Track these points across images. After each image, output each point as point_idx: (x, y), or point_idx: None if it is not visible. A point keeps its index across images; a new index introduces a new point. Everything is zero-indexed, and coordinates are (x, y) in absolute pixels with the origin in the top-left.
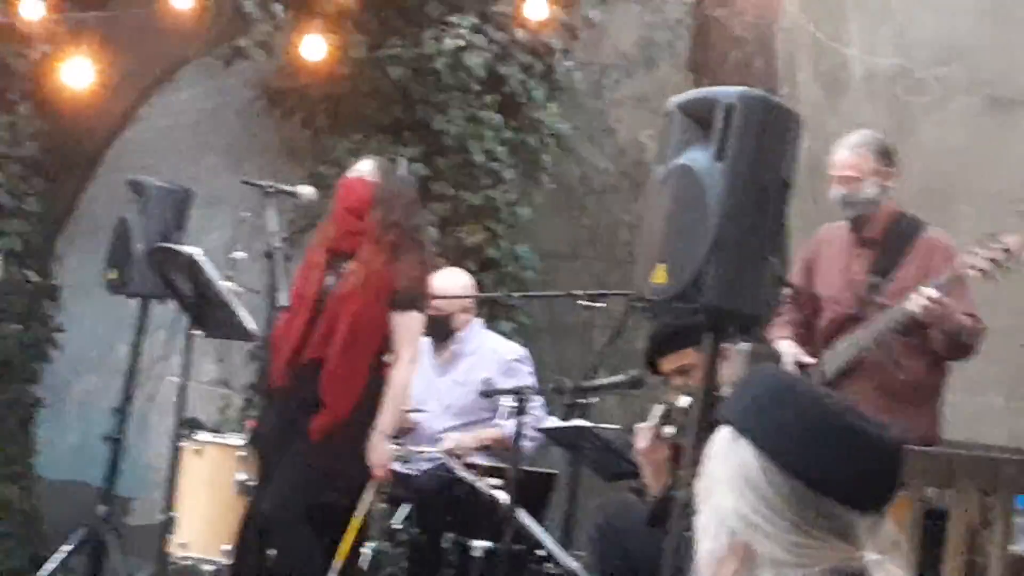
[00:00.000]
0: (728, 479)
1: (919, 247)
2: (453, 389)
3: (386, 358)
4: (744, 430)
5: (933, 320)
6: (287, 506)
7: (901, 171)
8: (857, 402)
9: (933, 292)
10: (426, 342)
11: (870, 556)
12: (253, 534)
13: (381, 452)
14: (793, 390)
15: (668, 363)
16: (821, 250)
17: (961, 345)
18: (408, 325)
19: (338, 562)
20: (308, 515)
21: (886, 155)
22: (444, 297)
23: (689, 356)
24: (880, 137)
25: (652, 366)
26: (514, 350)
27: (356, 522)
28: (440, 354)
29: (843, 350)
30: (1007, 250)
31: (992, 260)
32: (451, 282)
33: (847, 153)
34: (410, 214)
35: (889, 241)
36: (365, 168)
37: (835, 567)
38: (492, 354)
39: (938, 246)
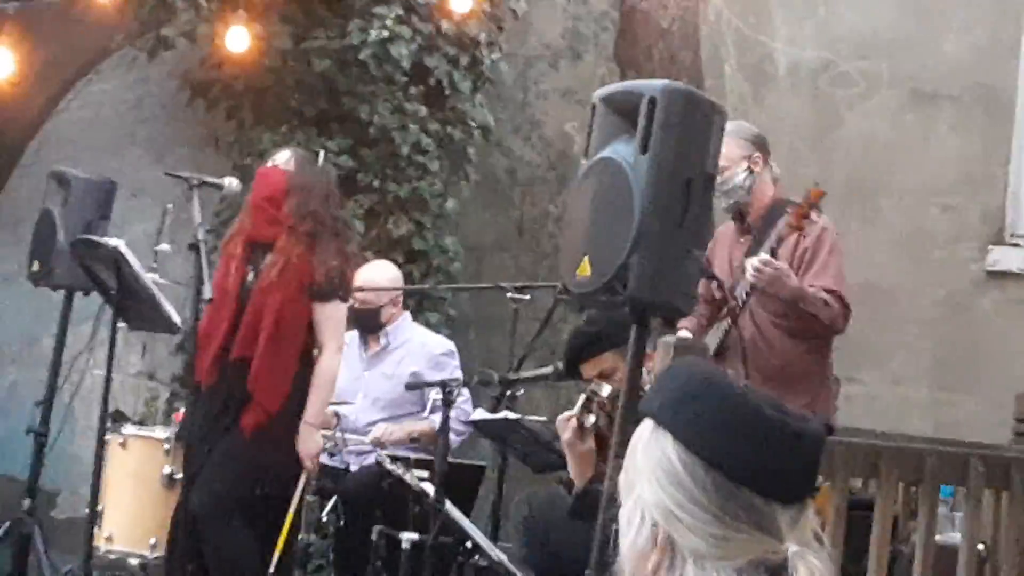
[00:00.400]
0: (649, 472)
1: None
2: (381, 382)
3: (315, 350)
4: (664, 423)
5: (766, 285)
6: (217, 500)
7: (770, 158)
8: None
9: (762, 256)
10: (354, 335)
11: (792, 548)
12: (183, 529)
13: (310, 443)
14: (712, 383)
15: (589, 368)
16: (715, 247)
17: (820, 323)
18: (330, 315)
19: (275, 555)
20: (241, 509)
21: (757, 143)
22: (372, 289)
23: (608, 360)
24: (749, 126)
25: (573, 373)
26: (442, 344)
27: (291, 515)
28: (369, 347)
29: (715, 329)
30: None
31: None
32: (380, 274)
33: None
34: (327, 203)
35: (764, 225)
36: (281, 158)
37: (757, 559)
38: (421, 348)
39: (811, 230)
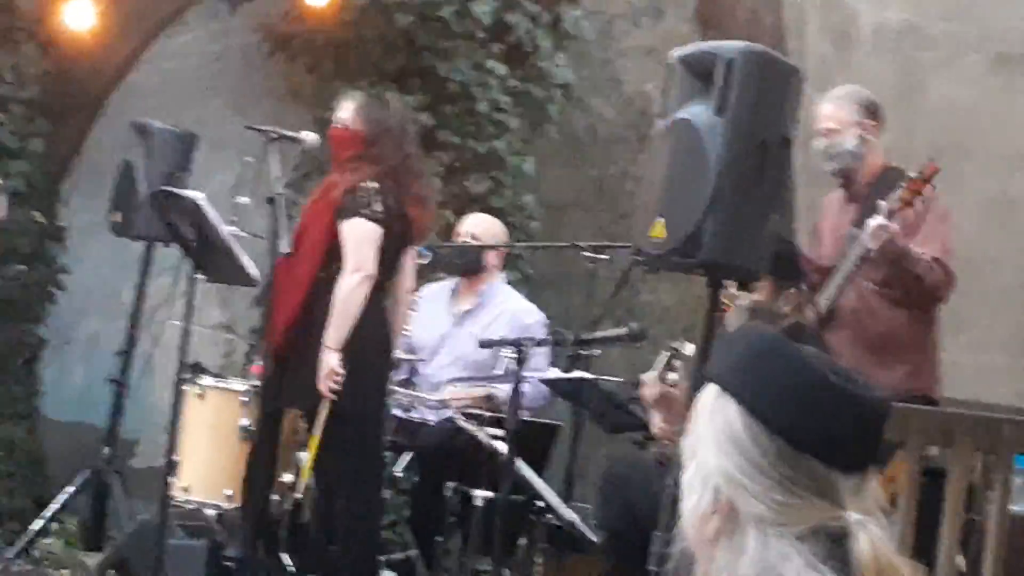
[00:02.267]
0: (713, 437)
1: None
2: (466, 342)
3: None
4: (728, 388)
5: (885, 251)
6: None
7: (885, 125)
8: (835, 353)
9: (880, 219)
10: (444, 287)
11: (853, 516)
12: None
13: (325, 366)
14: (778, 348)
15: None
16: (824, 214)
17: (923, 287)
18: (350, 233)
19: (302, 480)
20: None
21: (870, 108)
22: (445, 246)
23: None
24: (865, 92)
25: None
26: (533, 313)
27: (315, 440)
28: (458, 303)
29: (826, 288)
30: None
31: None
32: (486, 223)
33: (829, 105)
34: (396, 146)
35: (873, 194)
36: (344, 114)
37: (818, 526)
38: (512, 315)
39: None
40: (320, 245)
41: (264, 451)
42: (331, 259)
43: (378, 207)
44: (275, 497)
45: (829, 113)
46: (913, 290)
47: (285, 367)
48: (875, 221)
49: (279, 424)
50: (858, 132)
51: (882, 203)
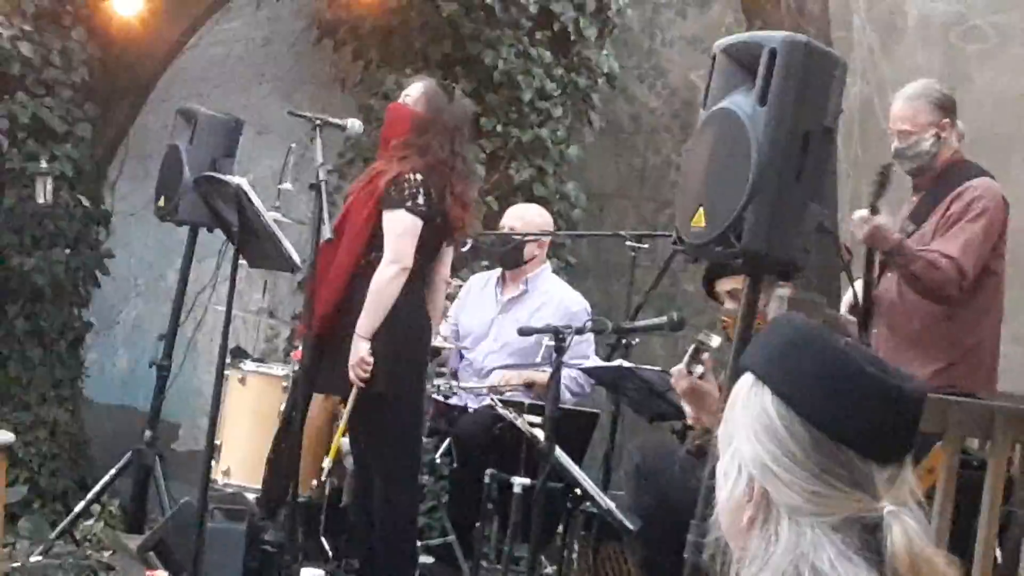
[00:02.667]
0: (748, 426)
1: (960, 192)
2: (512, 328)
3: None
4: (765, 377)
5: (871, 243)
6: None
7: (959, 121)
8: (873, 345)
9: (861, 212)
10: (492, 276)
11: (887, 507)
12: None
13: (355, 354)
14: (815, 339)
15: (723, 284)
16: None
17: (922, 286)
18: (391, 224)
19: (327, 462)
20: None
21: (944, 106)
22: (490, 233)
23: (739, 281)
24: (938, 87)
25: (708, 286)
26: (579, 301)
27: (342, 427)
28: (505, 291)
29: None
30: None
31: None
32: (529, 213)
33: (902, 105)
34: (448, 140)
35: (936, 189)
36: (413, 92)
37: (852, 516)
38: (559, 302)
39: (964, 193)
40: (363, 233)
41: (295, 436)
42: (373, 247)
43: (421, 200)
44: (314, 482)
45: (903, 114)
46: (916, 288)
47: (323, 353)
48: (856, 214)
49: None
50: (934, 131)
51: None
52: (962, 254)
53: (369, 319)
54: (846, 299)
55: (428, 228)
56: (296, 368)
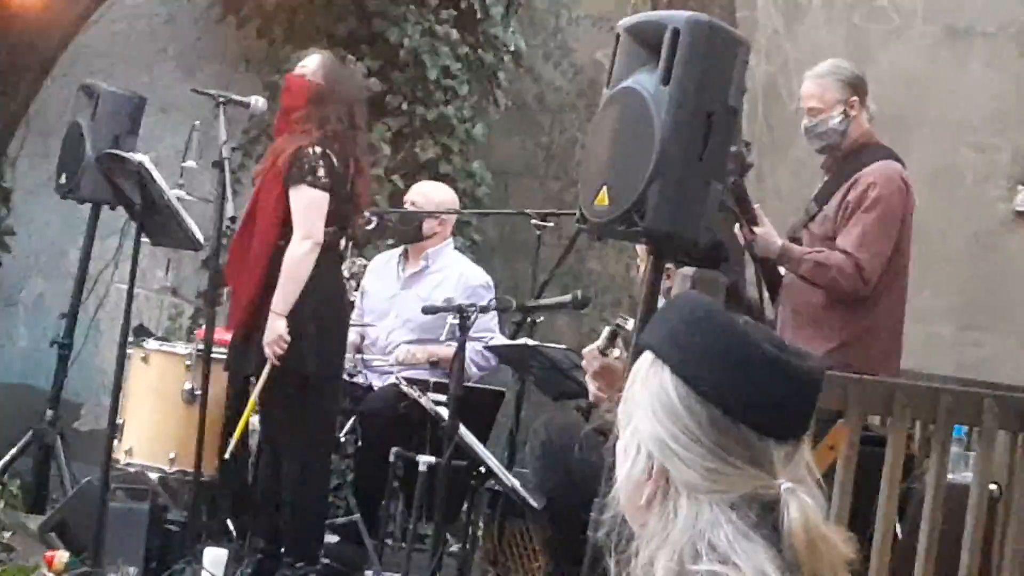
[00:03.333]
0: (647, 404)
1: (856, 179)
2: (414, 304)
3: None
4: (663, 356)
5: (760, 251)
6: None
7: (868, 98)
8: (777, 323)
9: (737, 231)
10: (395, 254)
11: (784, 484)
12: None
13: (270, 332)
14: (713, 317)
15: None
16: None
17: (819, 287)
18: (297, 201)
19: (233, 439)
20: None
21: (852, 84)
22: (392, 211)
23: None
24: (848, 66)
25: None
26: (480, 276)
27: (252, 402)
28: (407, 267)
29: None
30: None
31: None
32: (432, 191)
33: (811, 83)
34: (346, 115)
35: (841, 170)
36: (310, 65)
37: (750, 494)
38: (459, 277)
39: (861, 180)
40: (275, 215)
41: (234, 421)
42: (287, 228)
43: (321, 173)
44: (217, 461)
45: (812, 92)
46: (817, 287)
47: (251, 338)
48: (736, 229)
49: (246, 394)
50: (842, 110)
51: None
52: (858, 248)
53: (284, 296)
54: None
55: (335, 201)
56: (200, 347)
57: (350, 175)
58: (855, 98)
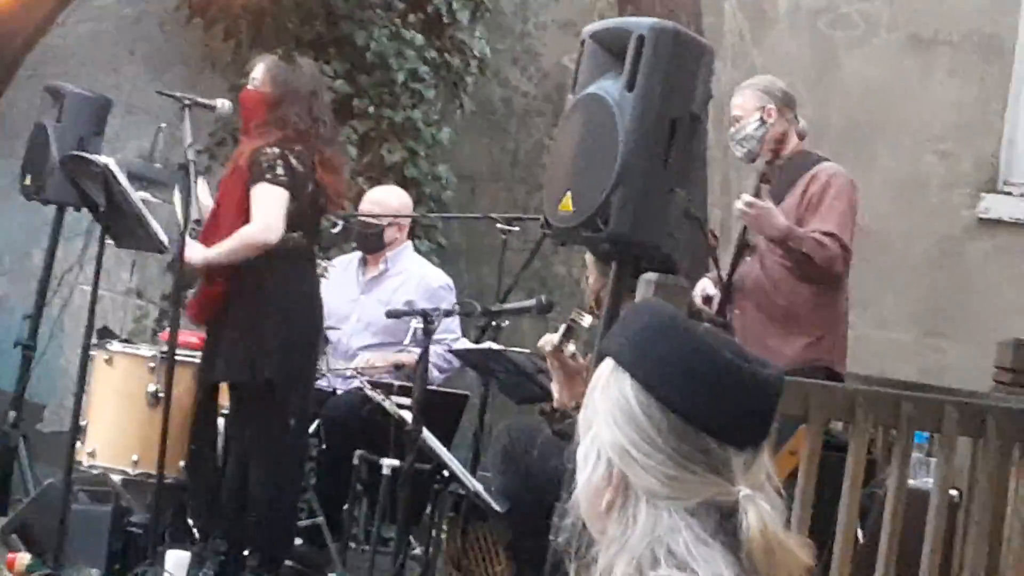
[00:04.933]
0: (608, 411)
1: (806, 179)
2: (375, 308)
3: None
4: (624, 363)
5: (753, 225)
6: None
7: (796, 111)
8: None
9: (746, 197)
10: (355, 257)
11: (743, 491)
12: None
13: (190, 252)
14: (673, 324)
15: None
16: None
17: (813, 265)
18: (255, 197)
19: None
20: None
21: (774, 94)
22: (361, 215)
23: None
24: (772, 80)
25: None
26: (440, 278)
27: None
28: (367, 271)
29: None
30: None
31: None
32: (389, 197)
33: (736, 96)
34: (306, 109)
35: (784, 175)
36: (257, 75)
37: (709, 500)
38: (419, 279)
39: (819, 175)
40: (237, 218)
41: (205, 425)
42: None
43: (280, 171)
44: (181, 463)
45: (735, 102)
46: (807, 268)
47: (218, 342)
48: (741, 200)
49: (216, 397)
50: (759, 116)
51: (763, 185)
52: (840, 229)
53: (212, 255)
54: (699, 286)
55: (301, 200)
56: (164, 349)
57: (313, 176)
58: (772, 106)
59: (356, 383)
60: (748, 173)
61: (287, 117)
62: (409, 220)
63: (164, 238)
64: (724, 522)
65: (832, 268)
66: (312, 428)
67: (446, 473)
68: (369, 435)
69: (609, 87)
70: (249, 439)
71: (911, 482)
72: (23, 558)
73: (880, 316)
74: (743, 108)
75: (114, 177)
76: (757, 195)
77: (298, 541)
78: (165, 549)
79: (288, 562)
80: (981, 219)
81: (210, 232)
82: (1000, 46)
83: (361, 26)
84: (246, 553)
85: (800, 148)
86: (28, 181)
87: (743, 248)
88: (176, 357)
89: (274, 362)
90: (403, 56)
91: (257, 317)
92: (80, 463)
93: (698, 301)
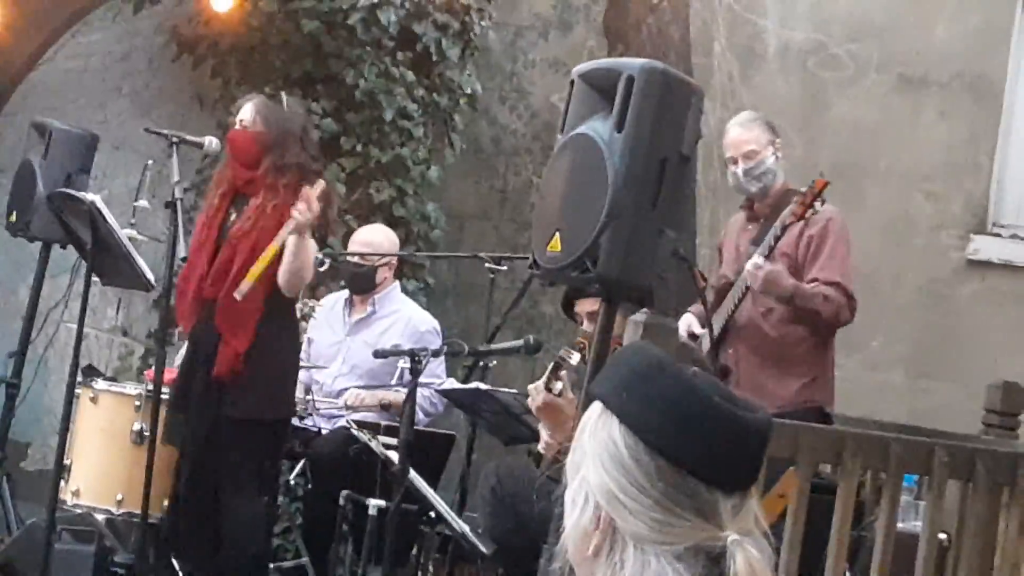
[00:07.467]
0: (596, 454)
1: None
2: (361, 350)
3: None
4: (612, 406)
5: (761, 289)
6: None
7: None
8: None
9: (755, 260)
10: (340, 297)
11: (731, 536)
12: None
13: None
14: (662, 368)
15: (583, 305)
16: (725, 236)
17: (823, 320)
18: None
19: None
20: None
21: (774, 129)
22: (354, 253)
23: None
24: (762, 114)
25: (568, 306)
26: (428, 321)
27: (273, 250)
28: (354, 312)
29: (720, 311)
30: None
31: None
32: (379, 237)
33: (741, 130)
34: (303, 148)
35: (772, 214)
36: (246, 116)
37: (697, 545)
38: (407, 322)
39: (817, 219)
40: (272, 269)
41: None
42: (274, 289)
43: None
44: (166, 502)
45: (746, 137)
46: (815, 321)
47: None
48: (751, 262)
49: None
50: (773, 151)
51: (776, 225)
52: (843, 277)
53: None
54: (683, 321)
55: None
56: (149, 387)
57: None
58: (778, 140)
59: (342, 423)
60: (734, 210)
61: (291, 157)
62: (397, 260)
63: (151, 276)
64: (712, 567)
65: (839, 320)
66: (298, 468)
67: (433, 514)
68: (355, 475)
69: (598, 127)
70: (224, 475)
71: (900, 525)
72: None
73: (869, 358)
74: (757, 142)
75: (100, 214)
76: (775, 243)
77: None
78: None
79: None
80: (970, 260)
81: (219, 279)
82: (989, 87)
83: (350, 64)
84: None
85: (788, 185)
86: (14, 217)
87: (744, 293)
88: (162, 396)
89: (252, 400)
90: (392, 94)
91: (270, 358)
92: (64, 502)
93: (683, 336)
